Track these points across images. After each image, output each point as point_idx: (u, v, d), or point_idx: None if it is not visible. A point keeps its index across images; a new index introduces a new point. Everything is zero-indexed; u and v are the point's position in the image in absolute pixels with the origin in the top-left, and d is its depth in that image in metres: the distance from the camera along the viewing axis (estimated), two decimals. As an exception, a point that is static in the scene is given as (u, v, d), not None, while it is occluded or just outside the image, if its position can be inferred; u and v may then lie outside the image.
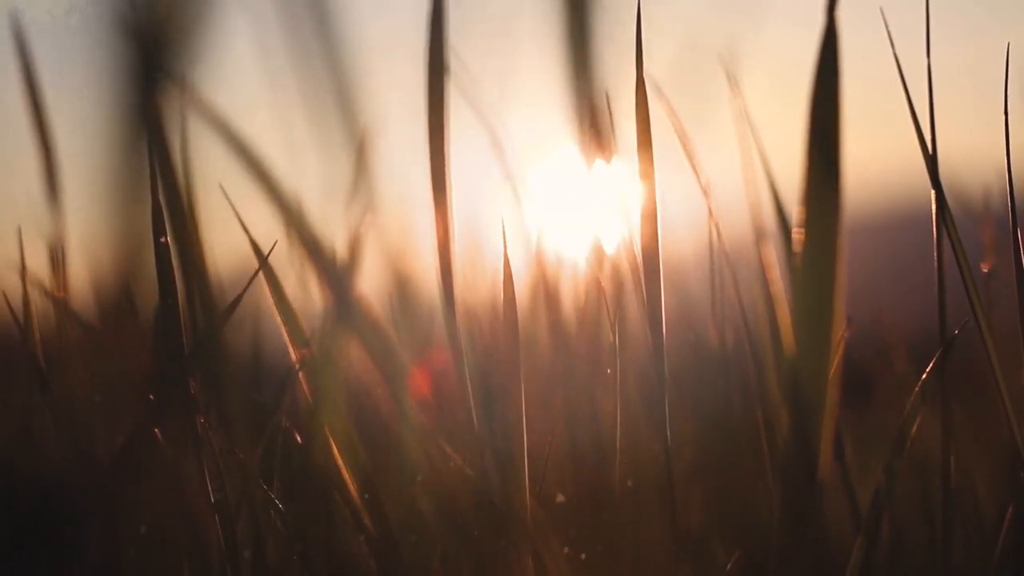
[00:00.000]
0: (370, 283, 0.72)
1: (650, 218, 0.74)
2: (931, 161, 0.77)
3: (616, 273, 0.82)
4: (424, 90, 0.73)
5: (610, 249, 0.82)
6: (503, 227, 0.80)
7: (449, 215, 0.73)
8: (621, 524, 0.80)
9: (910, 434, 0.79)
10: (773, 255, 0.77)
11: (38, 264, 0.87)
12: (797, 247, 0.63)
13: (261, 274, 0.80)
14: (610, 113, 0.70)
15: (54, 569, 0.73)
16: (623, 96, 0.74)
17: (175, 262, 0.72)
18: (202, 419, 0.76)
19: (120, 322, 0.67)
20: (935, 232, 0.77)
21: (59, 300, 0.85)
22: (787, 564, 0.68)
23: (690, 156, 0.81)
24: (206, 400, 0.76)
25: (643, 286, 0.75)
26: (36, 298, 0.86)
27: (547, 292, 0.85)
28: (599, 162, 0.72)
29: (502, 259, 0.79)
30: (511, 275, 0.79)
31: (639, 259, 0.75)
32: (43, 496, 0.74)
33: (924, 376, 0.79)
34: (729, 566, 0.83)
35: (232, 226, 0.80)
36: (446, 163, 0.73)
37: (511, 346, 0.78)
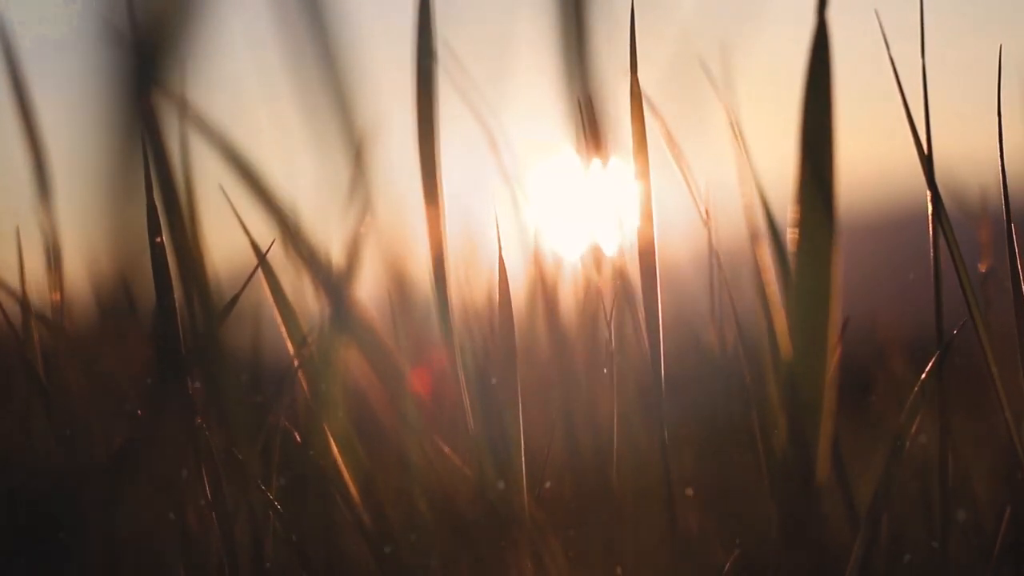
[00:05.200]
0: (368, 284, 0.73)
1: (646, 219, 0.74)
2: (927, 162, 0.77)
3: (613, 274, 0.82)
4: (413, 94, 0.73)
5: (607, 250, 0.82)
6: (498, 228, 0.80)
7: (441, 215, 0.73)
8: (619, 524, 0.80)
9: (909, 435, 0.79)
10: (767, 256, 0.77)
11: (36, 266, 0.88)
12: (792, 246, 0.63)
13: (260, 273, 0.80)
14: (595, 115, 0.70)
15: (53, 570, 0.73)
16: (619, 98, 0.74)
17: (172, 262, 0.72)
18: (201, 419, 0.76)
19: (118, 322, 0.67)
20: (931, 233, 0.77)
21: (53, 310, 0.85)
22: (786, 564, 0.68)
23: (677, 158, 0.82)
24: (205, 400, 0.76)
25: (640, 287, 0.75)
26: (33, 300, 0.86)
27: (544, 293, 0.85)
28: (596, 164, 0.72)
29: (498, 260, 0.79)
30: (507, 276, 0.79)
31: (636, 260, 0.75)
32: (41, 496, 0.74)
33: (923, 377, 0.79)
34: (728, 566, 0.83)
35: (231, 225, 0.80)
36: (437, 163, 0.73)
37: (507, 347, 0.78)
